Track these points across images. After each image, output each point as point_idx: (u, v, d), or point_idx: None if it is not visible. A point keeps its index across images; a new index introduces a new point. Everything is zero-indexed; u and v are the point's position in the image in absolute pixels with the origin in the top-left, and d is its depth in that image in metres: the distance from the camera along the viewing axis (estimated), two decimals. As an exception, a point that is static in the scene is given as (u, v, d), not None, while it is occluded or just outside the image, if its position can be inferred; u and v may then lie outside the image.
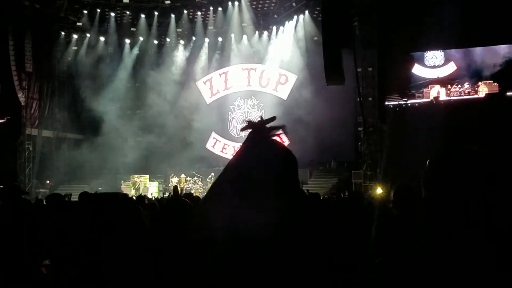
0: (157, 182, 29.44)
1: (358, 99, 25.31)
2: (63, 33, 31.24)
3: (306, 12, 28.85)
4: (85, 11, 30.50)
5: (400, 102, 26.42)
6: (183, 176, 28.60)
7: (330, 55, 22.75)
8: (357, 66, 24.50)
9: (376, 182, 23.36)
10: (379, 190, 17.79)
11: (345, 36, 23.30)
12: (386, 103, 26.08)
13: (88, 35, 31.39)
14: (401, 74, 26.63)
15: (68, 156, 31.76)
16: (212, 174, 27.10)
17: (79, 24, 31.03)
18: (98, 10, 30.52)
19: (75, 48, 31.71)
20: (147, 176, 29.16)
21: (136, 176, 29.21)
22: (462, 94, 26.53)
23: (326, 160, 30.02)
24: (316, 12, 28.22)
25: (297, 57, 29.44)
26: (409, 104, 26.44)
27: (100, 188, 28.36)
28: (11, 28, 28.32)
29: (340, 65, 22.88)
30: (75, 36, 31.52)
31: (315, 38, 28.23)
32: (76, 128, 32.67)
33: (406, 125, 24.30)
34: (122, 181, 29.34)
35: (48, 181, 30.79)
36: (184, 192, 27.37)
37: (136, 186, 28.86)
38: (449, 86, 26.74)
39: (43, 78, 30.94)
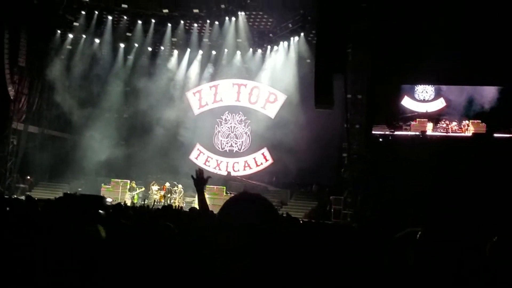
0: (137, 188, 28.41)
1: (345, 125, 24.64)
2: (59, 31, 30.39)
3: (302, 34, 28.36)
4: (83, 12, 29.71)
5: (387, 133, 25.82)
6: (167, 184, 27.61)
7: (321, 79, 21.94)
8: (347, 92, 23.79)
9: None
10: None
11: (338, 61, 22.57)
12: (373, 132, 25.45)
13: (84, 36, 30.54)
14: (390, 104, 26.21)
15: (51, 154, 30.76)
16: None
17: (76, 24, 30.17)
18: (96, 12, 29.76)
19: (70, 47, 30.84)
20: (128, 181, 28.09)
21: (118, 180, 28.13)
22: (450, 131, 26.00)
23: (308, 182, 29.29)
24: (311, 35, 27.74)
25: (288, 78, 28.78)
26: (395, 135, 25.79)
27: (79, 189, 27.42)
28: (7, 21, 27.41)
29: (331, 90, 22.07)
30: (70, 36, 30.63)
31: (308, 61, 27.67)
32: (61, 126, 31.81)
33: (391, 155, 23.67)
34: (102, 184, 28.29)
35: (28, 177, 29.76)
36: (164, 200, 26.51)
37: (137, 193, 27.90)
38: (437, 122, 26.18)
39: (35, 74, 30.03)
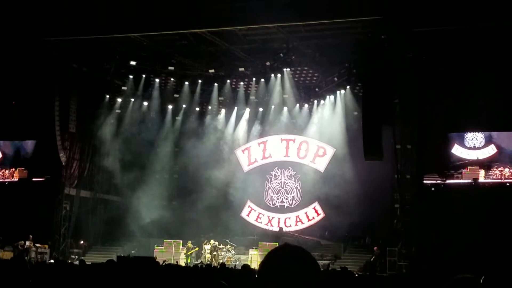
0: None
1: (396, 176, 25.58)
2: (108, 96, 32.30)
3: (348, 87, 29.54)
4: (131, 76, 31.58)
5: (439, 181, 26.66)
6: (212, 241, 28.65)
7: (369, 131, 23.27)
8: (396, 143, 24.91)
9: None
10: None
11: (385, 113, 23.88)
12: (425, 181, 26.31)
13: (132, 99, 32.47)
14: (440, 153, 26.99)
15: (103, 218, 32.54)
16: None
17: (124, 88, 32.06)
18: (144, 76, 31.64)
19: (119, 111, 32.69)
20: (180, 241, 29.48)
21: (171, 241, 29.49)
22: (502, 178, 26.63)
23: (360, 235, 30.22)
24: (357, 87, 29.03)
25: (336, 131, 30.06)
26: (447, 184, 26.63)
27: (133, 252, 28.96)
28: (57, 89, 29.62)
29: (379, 141, 23.34)
30: (119, 100, 32.52)
31: (355, 113, 28.88)
32: (112, 189, 33.40)
33: (444, 204, 24.48)
34: (155, 245, 29.69)
35: (82, 242, 31.37)
36: (214, 259, 27.74)
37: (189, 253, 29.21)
38: (489, 169, 26.92)
39: (85, 139, 32.00)
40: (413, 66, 24.79)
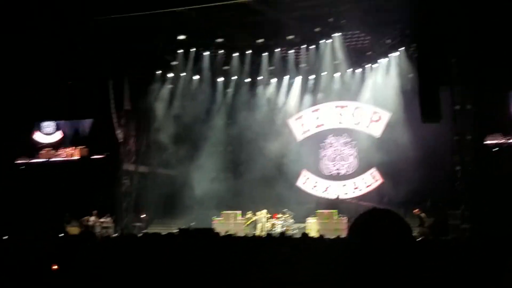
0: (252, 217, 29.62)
1: (456, 138, 24.93)
2: (159, 72, 32.57)
3: (401, 48, 28.88)
4: (180, 51, 31.84)
5: (501, 141, 25.85)
6: (264, 211, 28.75)
7: (426, 93, 22.63)
8: (454, 104, 24.20)
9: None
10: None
11: (443, 73, 23.17)
12: (486, 141, 25.58)
13: (183, 74, 32.67)
14: (502, 112, 26.11)
15: (162, 191, 32.97)
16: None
17: (174, 63, 32.38)
18: (193, 50, 31.80)
19: (170, 86, 32.98)
20: (239, 212, 29.60)
21: (229, 212, 29.71)
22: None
23: (421, 199, 29.62)
24: (411, 49, 28.12)
25: (391, 94, 29.37)
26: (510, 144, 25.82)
27: (192, 223, 29.22)
28: (110, 68, 30.19)
29: (437, 103, 22.67)
30: (170, 75, 32.80)
31: (410, 75, 28.10)
32: (169, 164, 33.62)
33: (507, 164, 23.74)
34: (213, 217, 29.92)
35: (143, 215, 31.94)
36: (263, 229, 27.75)
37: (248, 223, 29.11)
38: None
39: (140, 115, 32.53)
40: (470, 24, 23.89)
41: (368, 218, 2.28)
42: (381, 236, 2.18)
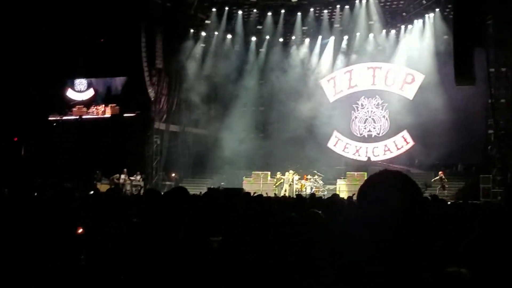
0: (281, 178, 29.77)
1: (490, 101, 24.68)
2: (192, 30, 32.52)
3: (437, 10, 28.53)
4: (214, 9, 31.80)
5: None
6: (291, 172, 28.63)
7: (461, 55, 22.31)
8: (489, 66, 23.87)
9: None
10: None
11: (478, 35, 22.77)
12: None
13: (216, 32, 32.62)
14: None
15: (193, 150, 33.33)
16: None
17: (207, 21, 32.34)
18: (226, 8, 31.78)
19: (203, 45, 33.00)
20: (269, 173, 29.81)
21: (259, 172, 29.91)
22: None
23: (453, 163, 29.52)
24: (447, 10, 27.79)
25: (425, 56, 29.08)
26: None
27: (222, 183, 29.59)
28: (143, 26, 30.24)
29: (472, 65, 22.35)
30: (203, 34, 32.78)
31: (445, 37, 27.76)
32: (201, 123, 33.97)
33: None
34: (243, 177, 30.20)
35: (173, 174, 32.35)
36: (289, 189, 27.85)
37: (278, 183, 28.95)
38: None
39: (172, 74, 32.63)
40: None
41: (376, 180, 2.26)
42: (387, 198, 2.17)
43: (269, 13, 31.89)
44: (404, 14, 30.13)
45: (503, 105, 24.70)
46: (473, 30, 22.35)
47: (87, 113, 35.66)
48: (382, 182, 2.24)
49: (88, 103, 36.05)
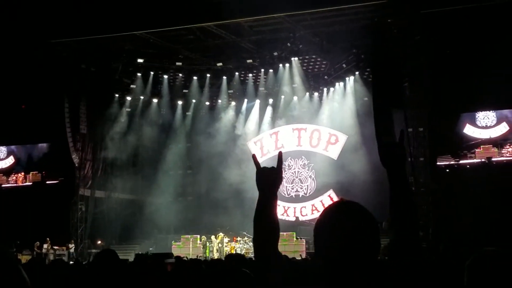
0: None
1: (409, 159, 26.25)
2: (117, 95, 32.94)
3: (357, 73, 30.11)
4: (139, 74, 32.14)
5: (452, 162, 27.38)
6: (221, 234, 29.22)
7: (380, 116, 23.92)
8: (407, 126, 25.55)
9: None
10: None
11: (396, 97, 24.52)
12: (438, 163, 27.02)
13: (142, 97, 33.11)
14: (452, 134, 27.65)
15: (119, 217, 33.36)
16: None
17: (133, 86, 32.59)
18: (152, 73, 32.27)
19: (129, 109, 33.35)
20: (198, 236, 30.19)
21: (188, 236, 30.21)
22: (515, 155, 27.23)
23: (377, 220, 30.72)
24: (366, 73, 29.63)
25: (347, 118, 30.65)
26: (461, 164, 27.35)
27: (151, 248, 29.76)
28: (66, 90, 30.62)
29: (391, 126, 23.98)
30: (128, 98, 33.14)
31: (365, 99, 29.46)
32: (127, 188, 34.03)
33: (458, 185, 25.16)
34: (173, 241, 30.45)
35: (99, 241, 32.18)
36: (218, 252, 28.40)
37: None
38: (502, 147, 27.64)
39: (97, 139, 32.72)
40: (421, 49, 25.43)
41: (331, 213, 2.31)
42: (344, 229, 2.21)
43: (195, 77, 32.75)
44: (326, 77, 31.62)
45: (422, 163, 26.31)
46: (391, 92, 24.16)
47: (7, 182, 35.32)
48: (335, 211, 2.30)
49: (7, 171, 35.72)
